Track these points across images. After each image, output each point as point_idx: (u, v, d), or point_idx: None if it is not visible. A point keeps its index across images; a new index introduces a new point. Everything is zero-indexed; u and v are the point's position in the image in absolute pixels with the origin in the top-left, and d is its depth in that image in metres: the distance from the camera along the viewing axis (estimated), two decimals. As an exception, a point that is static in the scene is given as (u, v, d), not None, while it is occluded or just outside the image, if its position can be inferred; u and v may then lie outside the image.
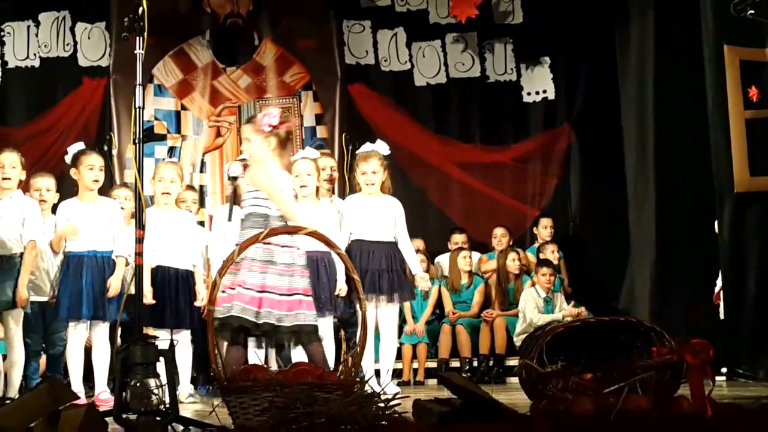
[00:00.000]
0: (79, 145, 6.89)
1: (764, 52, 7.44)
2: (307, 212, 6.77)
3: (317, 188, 6.98)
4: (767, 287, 7.40)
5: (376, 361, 7.10)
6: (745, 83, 7.46)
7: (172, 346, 6.58)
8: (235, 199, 5.63)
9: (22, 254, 6.55)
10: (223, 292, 5.26)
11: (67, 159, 6.81)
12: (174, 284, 6.83)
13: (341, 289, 6.74)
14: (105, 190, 7.30)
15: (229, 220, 5.58)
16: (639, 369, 3.45)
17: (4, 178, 6.52)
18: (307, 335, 5.48)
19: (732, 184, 7.47)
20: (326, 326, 6.83)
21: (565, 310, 8.77)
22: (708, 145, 7.70)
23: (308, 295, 5.49)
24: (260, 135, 5.60)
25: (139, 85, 3.95)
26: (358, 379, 3.72)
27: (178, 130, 10.20)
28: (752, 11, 4.93)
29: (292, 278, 5.41)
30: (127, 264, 6.65)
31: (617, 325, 3.95)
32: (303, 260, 5.54)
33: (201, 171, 10.21)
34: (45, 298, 6.89)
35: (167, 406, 3.59)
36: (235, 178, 5.62)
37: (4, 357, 6.68)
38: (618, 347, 3.88)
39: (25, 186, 7.03)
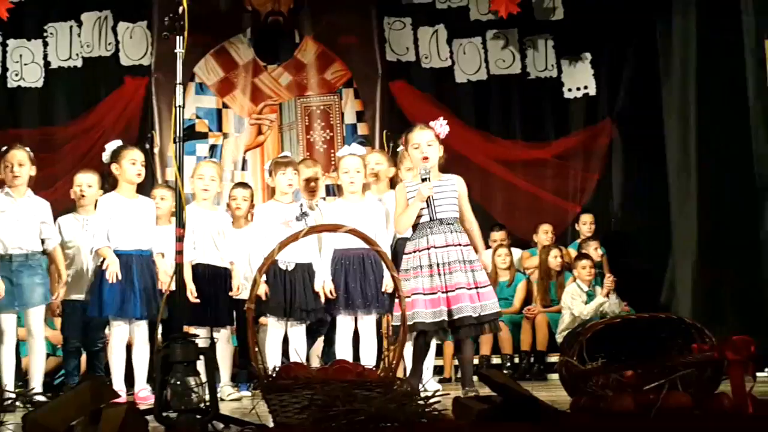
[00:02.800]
0: (117, 142, 6.94)
1: (805, 46, 7.39)
2: (354, 209, 6.83)
3: (363, 185, 7.02)
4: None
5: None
6: (786, 79, 7.42)
7: (212, 344, 6.68)
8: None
9: (42, 252, 6.60)
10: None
11: (105, 156, 6.85)
12: (213, 281, 6.86)
13: (387, 285, 6.74)
14: (145, 188, 7.34)
15: (433, 218, 5.85)
16: (679, 366, 3.43)
17: (14, 176, 6.56)
18: (479, 327, 5.85)
19: (775, 179, 7.42)
20: (369, 323, 6.86)
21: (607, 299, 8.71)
22: (750, 140, 7.64)
23: (487, 286, 5.88)
24: (437, 140, 6.01)
25: (180, 84, 3.97)
26: (398, 377, 3.72)
27: (220, 128, 10.25)
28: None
29: (474, 273, 5.82)
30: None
31: (658, 321, 3.93)
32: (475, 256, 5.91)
33: (243, 169, 10.26)
34: (82, 296, 6.94)
35: (207, 404, 3.61)
36: (428, 178, 5.87)
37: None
38: (659, 344, 3.86)
39: (67, 183, 7.09)
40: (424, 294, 5.72)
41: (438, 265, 5.75)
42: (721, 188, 8.06)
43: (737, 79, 7.72)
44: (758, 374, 6.61)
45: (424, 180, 5.85)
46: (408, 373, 6.48)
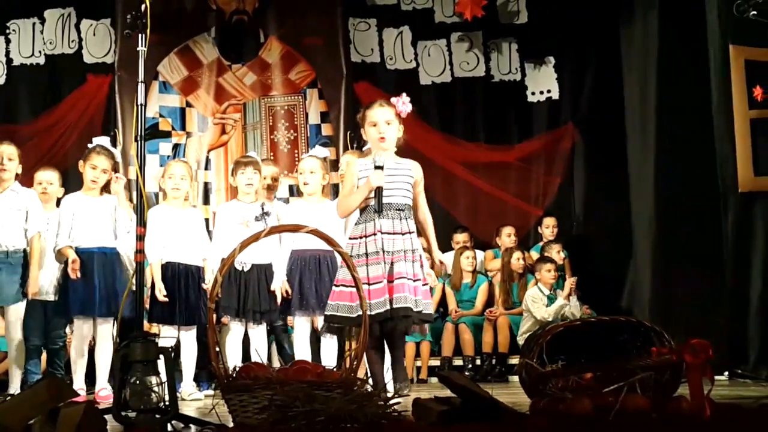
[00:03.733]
0: (104, 139, 6.97)
1: (769, 51, 7.45)
2: (312, 210, 6.82)
3: (323, 186, 7.02)
4: (771, 288, 7.42)
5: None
6: (749, 83, 7.47)
7: (178, 343, 6.67)
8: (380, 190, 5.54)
9: (25, 249, 6.59)
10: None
11: (90, 147, 6.90)
12: (184, 280, 6.84)
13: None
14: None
15: (379, 211, 5.49)
16: (638, 369, 3.45)
17: (2, 170, 6.54)
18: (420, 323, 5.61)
19: (736, 183, 7.47)
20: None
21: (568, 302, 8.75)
22: (712, 145, 7.70)
23: (425, 284, 5.66)
24: (397, 120, 5.68)
25: (141, 82, 3.94)
26: (358, 377, 3.71)
27: (183, 127, 10.20)
28: (754, 12, 4.92)
29: (414, 264, 5.54)
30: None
31: (617, 324, 3.96)
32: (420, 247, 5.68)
33: (206, 168, 10.22)
34: (43, 295, 6.89)
35: (167, 403, 3.59)
36: (382, 167, 5.52)
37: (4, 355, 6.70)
38: (618, 347, 3.89)
39: (28, 180, 7.07)
40: (369, 284, 5.38)
41: (384, 252, 5.43)
42: (682, 192, 8.12)
43: (700, 83, 7.78)
44: (717, 378, 6.70)
45: (377, 168, 5.51)
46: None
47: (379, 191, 5.48)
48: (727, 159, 7.55)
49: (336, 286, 5.58)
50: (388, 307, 5.35)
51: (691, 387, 3.29)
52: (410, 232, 5.54)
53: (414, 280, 5.46)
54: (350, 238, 5.67)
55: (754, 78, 7.44)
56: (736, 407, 3.40)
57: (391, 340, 5.58)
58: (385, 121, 5.64)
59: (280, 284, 6.82)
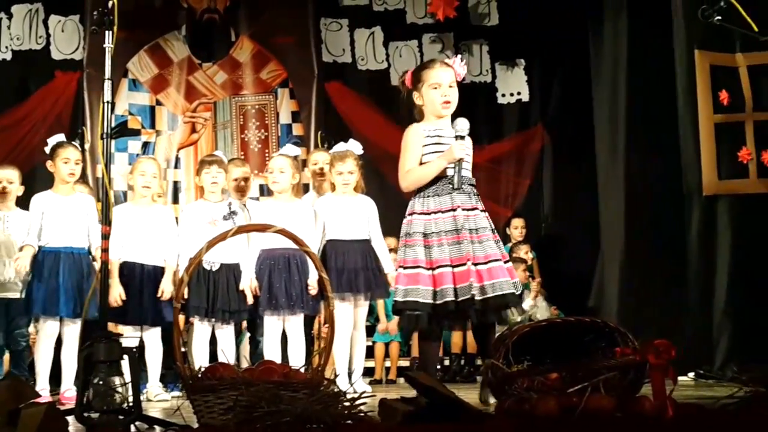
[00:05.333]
0: (59, 137, 6.88)
1: (734, 57, 7.50)
2: (282, 209, 6.82)
3: (293, 185, 7.01)
4: (736, 289, 7.46)
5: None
6: (715, 87, 7.52)
7: (141, 343, 6.64)
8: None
9: None
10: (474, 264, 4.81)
11: (47, 150, 6.80)
12: (150, 280, 6.80)
13: (312, 287, 6.75)
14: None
15: (458, 187, 4.87)
16: (603, 369, 3.46)
17: None
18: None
19: (701, 187, 7.53)
20: (296, 324, 6.86)
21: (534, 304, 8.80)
22: (678, 148, 7.75)
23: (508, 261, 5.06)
24: (456, 81, 5.01)
25: (108, 79, 3.92)
26: (325, 378, 3.71)
27: (153, 126, 10.17)
28: (719, 17, 4.96)
29: (499, 244, 5.02)
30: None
31: (582, 325, 3.97)
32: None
33: (176, 167, 10.19)
34: (9, 294, 6.85)
35: (130, 404, 3.58)
36: (464, 137, 4.94)
37: None
38: (583, 348, 3.90)
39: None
40: (452, 266, 4.79)
41: (464, 230, 4.84)
42: (649, 194, 8.15)
43: (667, 87, 7.83)
44: (682, 378, 6.75)
45: (458, 138, 4.88)
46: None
47: (459, 164, 4.85)
48: (692, 162, 7.60)
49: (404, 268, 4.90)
50: (475, 293, 4.71)
51: (654, 387, 3.31)
52: (484, 210, 5.01)
53: (505, 261, 4.93)
54: (421, 214, 4.93)
55: (719, 83, 7.50)
56: (698, 407, 3.42)
57: (484, 333, 4.97)
58: (449, 83, 5.00)
59: (248, 283, 6.81)
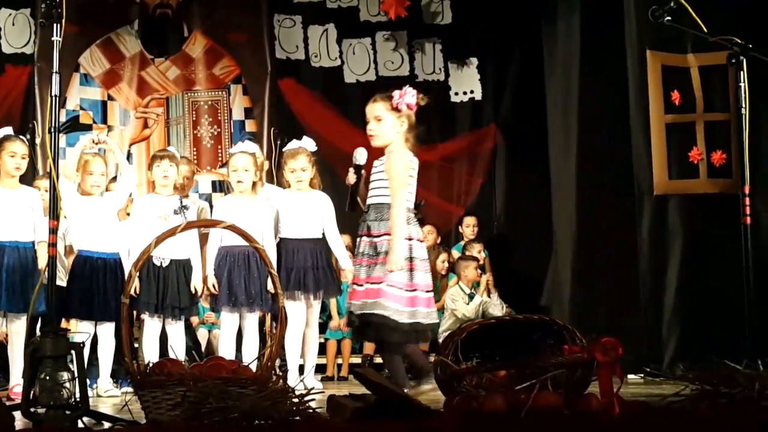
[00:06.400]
0: (6, 130, 6.80)
1: (686, 57, 7.57)
2: (243, 206, 6.80)
3: (254, 183, 7.01)
4: (685, 289, 7.54)
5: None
6: (667, 88, 7.59)
7: (95, 338, 6.59)
8: (357, 188, 5.48)
9: None
10: (360, 285, 5.30)
11: None
12: (100, 273, 6.75)
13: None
14: (27, 179, 7.20)
15: (353, 209, 5.50)
16: (550, 367, 3.49)
17: None
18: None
19: (651, 186, 7.60)
20: (252, 321, 6.85)
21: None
22: (630, 148, 7.81)
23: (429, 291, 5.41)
24: (395, 114, 5.41)
25: (56, 73, 3.88)
26: (274, 374, 3.71)
27: (105, 121, 10.08)
28: (669, 18, 5.01)
29: (426, 274, 5.34)
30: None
31: (532, 323, 3.99)
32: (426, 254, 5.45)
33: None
34: None
35: (77, 400, 3.55)
36: (361, 167, 5.45)
37: None
38: (532, 345, 3.92)
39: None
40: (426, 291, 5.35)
41: (421, 260, 5.34)
42: (601, 193, 8.22)
43: (619, 86, 7.88)
44: (632, 377, 6.81)
45: (355, 167, 5.54)
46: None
47: (351, 188, 5.57)
48: (643, 162, 7.66)
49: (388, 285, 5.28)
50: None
51: (601, 384, 3.34)
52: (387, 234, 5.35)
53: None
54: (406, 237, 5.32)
55: (671, 83, 7.57)
56: (644, 405, 3.46)
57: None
58: (374, 116, 5.47)
59: (200, 280, 6.78)
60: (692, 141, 7.56)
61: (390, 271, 5.18)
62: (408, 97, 5.46)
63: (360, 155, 5.49)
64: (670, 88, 7.55)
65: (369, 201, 5.44)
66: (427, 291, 5.33)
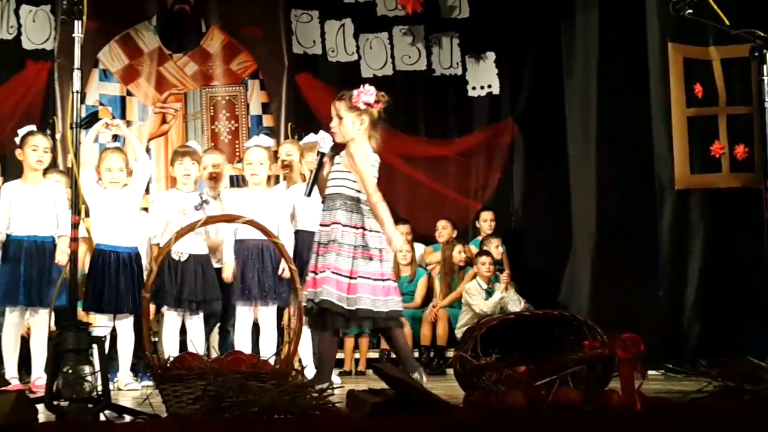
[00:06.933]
0: (30, 128, 6.87)
1: (708, 50, 7.52)
2: (258, 200, 6.81)
3: (269, 176, 7.03)
4: (707, 283, 7.50)
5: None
6: (688, 81, 7.55)
7: (113, 332, 6.62)
8: (317, 176, 5.60)
9: None
10: (315, 273, 5.43)
11: (17, 141, 6.78)
12: (118, 267, 6.74)
13: (284, 274, 6.73)
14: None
15: (308, 195, 5.62)
16: (570, 362, 3.48)
17: None
18: (397, 321, 5.58)
19: (673, 181, 7.56)
20: (269, 315, 6.86)
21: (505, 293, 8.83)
22: (650, 142, 7.78)
23: (395, 281, 5.62)
24: (354, 113, 5.62)
25: (78, 69, 3.90)
26: (293, 369, 3.71)
27: (123, 116, 10.09)
28: (690, 11, 4.98)
29: (382, 263, 5.48)
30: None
31: (551, 318, 3.99)
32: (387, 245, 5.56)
33: (146, 157, 10.14)
34: None
35: (100, 393, 3.57)
36: (324, 155, 5.59)
37: None
38: (552, 341, 3.91)
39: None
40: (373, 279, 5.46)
41: (376, 249, 5.50)
42: (621, 189, 8.18)
43: (639, 80, 7.85)
44: (652, 373, 6.78)
45: (318, 154, 5.68)
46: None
47: (310, 175, 5.68)
48: (664, 156, 7.63)
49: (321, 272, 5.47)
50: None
51: (622, 381, 3.33)
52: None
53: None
54: (340, 225, 5.54)
55: (693, 76, 7.53)
56: (666, 401, 3.45)
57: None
58: (336, 114, 5.67)
59: (231, 272, 6.82)
60: (714, 135, 7.51)
61: (399, 251, 5.44)
62: (366, 96, 5.66)
63: (324, 142, 5.66)
64: (692, 81, 7.51)
65: (326, 191, 5.65)
66: (378, 279, 5.45)
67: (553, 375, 3.38)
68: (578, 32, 8.80)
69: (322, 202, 5.64)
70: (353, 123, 5.63)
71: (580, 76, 8.79)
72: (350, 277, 5.40)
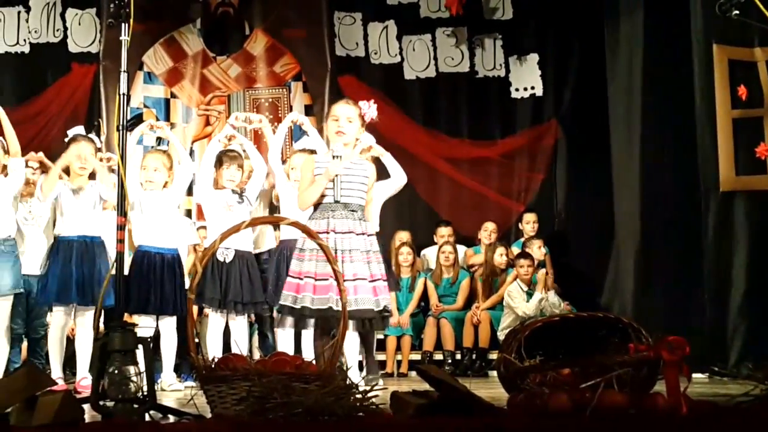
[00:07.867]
0: (77, 129, 6.94)
1: (753, 51, 7.46)
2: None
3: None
4: (752, 286, 7.44)
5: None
6: (733, 82, 7.49)
7: (157, 333, 6.67)
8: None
9: (13, 238, 6.60)
10: (300, 279, 5.41)
11: (66, 141, 6.88)
12: (159, 268, 6.80)
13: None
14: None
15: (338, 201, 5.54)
16: (616, 365, 3.45)
17: None
18: (382, 321, 5.61)
19: (718, 183, 7.50)
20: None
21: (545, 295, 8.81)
22: (695, 143, 7.73)
23: (385, 280, 5.61)
24: (360, 120, 5.69)
25: (124, 71, 3.94)
26: (337, 370, 3.72)
27: (168, 118, 10.18)
28: (737, 12, 4.94)
29: (371, 264, 5.49)
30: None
31: (596, 321, 3.96)
32: (377, 246, 5.62)
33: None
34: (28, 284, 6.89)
35: (145, 393, 3.60)
36: (340, 157, 5.51)
37: None
38: (596, 343, 3.89)
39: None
40: (315, 279, 5.37)
41: (337, 251, 5.38)
42: (665, 190, 8.14)
43: (684, 81, 7.80)
44: (697, 376, 6.73)
45: (335, 158, 5.49)
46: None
47: (335, 181, 5.49)
48: (709, 158, 7.57)
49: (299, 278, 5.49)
50: (333, 305, 5.31)
51: (667, 384, 3.30)
52: (368, 234, 5.55)
53: (371, 281, 5.47)
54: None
55: (737, 77, 7.48)
56: (712, 405, 3.42)
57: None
58: (347, 117, 5.63)
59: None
60: (759, 136, 7.45)
61: None
62: (372, 110, 5.78)
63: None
64: (737, 83, 7.45)
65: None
66: (321, 279, 5.37)
67: (598, 377, 3.36)
68: (622, 33, 8.77)
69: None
70: (359, 130, 5.76)
71: (623, 77, 8.75)
72: (297, 278, 5.44)
